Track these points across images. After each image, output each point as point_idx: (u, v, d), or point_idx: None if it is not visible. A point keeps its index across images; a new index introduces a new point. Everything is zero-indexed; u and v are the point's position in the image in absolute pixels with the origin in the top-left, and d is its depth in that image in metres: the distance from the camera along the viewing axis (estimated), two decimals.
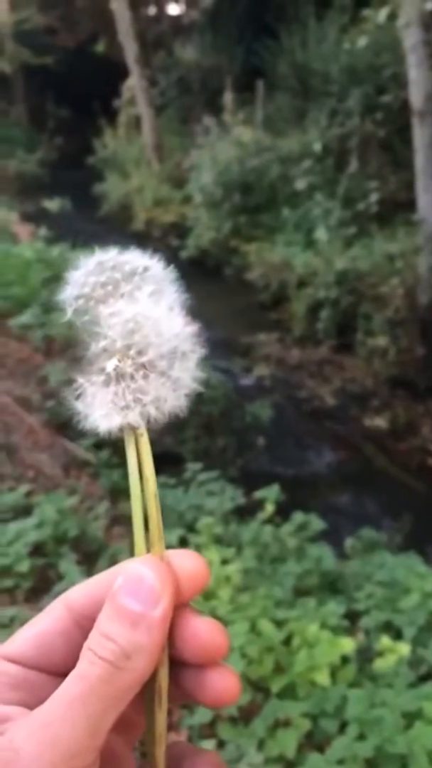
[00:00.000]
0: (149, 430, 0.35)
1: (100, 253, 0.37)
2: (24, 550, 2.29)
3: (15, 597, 2.20)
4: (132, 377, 0.34)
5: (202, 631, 0.34)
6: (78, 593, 0.35)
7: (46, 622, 0.35)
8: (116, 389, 0.34)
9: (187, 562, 0.34)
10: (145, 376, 0.35)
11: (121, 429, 0.35)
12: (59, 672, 0.33)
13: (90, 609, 0.34)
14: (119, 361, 0.34)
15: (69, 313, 0.36)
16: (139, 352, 0.35)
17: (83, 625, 0.34)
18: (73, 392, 0.35)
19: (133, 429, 0.35)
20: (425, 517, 3.95)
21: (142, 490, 0.34)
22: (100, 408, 0.35)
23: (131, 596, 0.32)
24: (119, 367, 0.34)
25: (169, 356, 0.35)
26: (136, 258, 0.37)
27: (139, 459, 0.34)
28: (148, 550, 0.34)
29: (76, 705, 0.30)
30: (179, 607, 0.34)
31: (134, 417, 0.34)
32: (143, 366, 0.35)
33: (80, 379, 0.35)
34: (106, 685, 0.31)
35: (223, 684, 0.34)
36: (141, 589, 0.32)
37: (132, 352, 0.34)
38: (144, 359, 0.35)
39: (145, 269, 0.37)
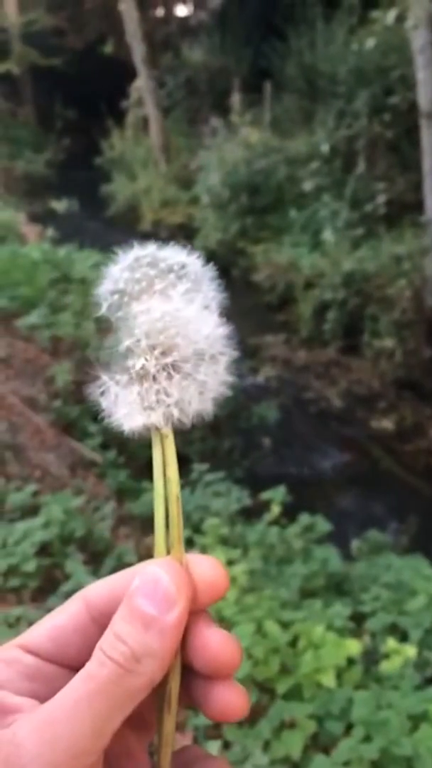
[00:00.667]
0: (175, 432, 0.34)
1: (139, 248, 0.36)
2: (30, 550, 2.29)
3: (21, 596, 2.20)
4: (155, 378, 0.34)
5: (213, 643, 0.33)
6: (97, 590, 0.35)
7: (63, 617, 0.35)
8: (139, 389, 0.34)
9: (207, 569, 0.34)
10: (169, 378, 0.34)
11: (147, 429, 0.34)
12: (74, 666, 0.33)
13: (107, 606, 0.34)
14: (145, 360, 0.34)
15: (103, 309, 0.35)
16: (164, 353, 0.34)
17: (100, 622, 0.34)
18: (97, 390, 0.35)
19: (158, 430, 0.34)
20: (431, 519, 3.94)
21: (165, 492, 0.34)
22: (123, 407, 0.34)
23: (146, 598, 0.31)
24: (144, 367, 0.34)
25: (195, 358, 0.34)
26: (173, 254, 0.36)
27: (164, 460, 0.34)
28: (168, 552, 0.34)
29: (81, 705, 0.30)
30: (196, 613, 0.33)
31: (157, 418, 0.34)
32: (167, 367, 0.34)
33: (104, 377, 0.35)
34: (114, 687, 0.30)
35: (229, 700, 0.33)
36: (157, 591, 0.32)
37: (156, 352, 0.34)
38: (168, 360, 0.34)
39: (182, 266, 0.36)
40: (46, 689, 0.33)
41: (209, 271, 0.37)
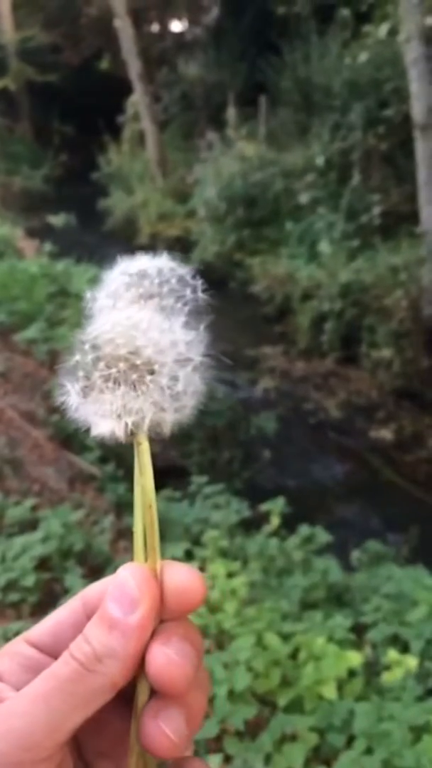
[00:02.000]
0: (151, 441, 0.34)
1: (123, 261, 0.35)
2: (30, 565, 2.29)
3: (21, 611, 2.20)
4: (101, 389, 0.33)
5: (155, 661, 0.32)
6: (93, 590, 0.36)
7: (63, 613, 0.36)
8: (93, 399, 0.33)
9: (180, 576, 0.34)
10: (116, 388, 0.33)
11: (114, 435, 0.33)
12: None
13: (99, 606, 0.34)
14: (94, 371, 0.33)
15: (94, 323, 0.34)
16: (108, 364, 0.33)
17: None
18: (61, 397, 0.34)
19: (133, 437, 0.33)
20: None
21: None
22: (83, 415, 0.34)
23: (114, 601, 0.32)
24: (89, 378, 0.33)
25: (143, 367, 0.33)
26: (141, 263, 0.35)
27: (138, 463, 0.34)
28: (147, 560, 0.34)
29: (38, 701, 0.31)
30: (172, 621, 0.33)
31: (111, 427, 0.33)
32: (110, 378, 0.33)
33: (67, 385, 0.34)
34: (73, 685, 0.31)
35: (153, 734, 0.32)
36: (122, 595, 0.32)
37: (102, 364, 0.33)
38: (112, 371, 0.33)
39: (144, 275, 0.35)
40: None
41: (190, 278, 0.35)
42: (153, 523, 0.34)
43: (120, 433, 0.33)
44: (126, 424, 0.33)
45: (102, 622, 0.32)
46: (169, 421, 0.33)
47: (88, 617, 0.35)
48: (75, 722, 0.31)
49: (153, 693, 0.33)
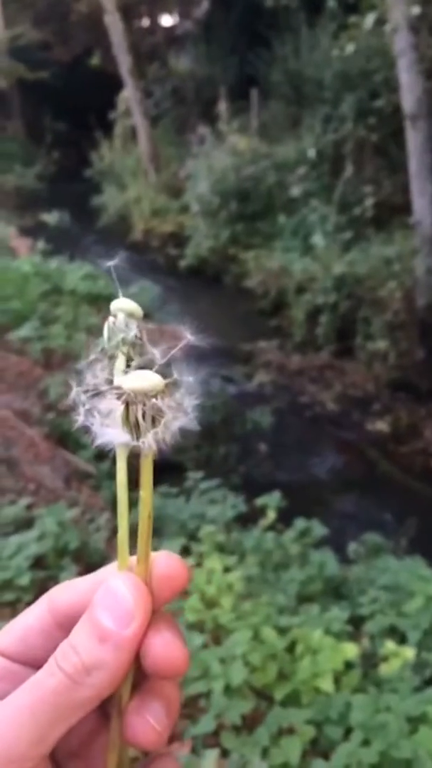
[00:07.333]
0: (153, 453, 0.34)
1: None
2: (25, 564, 2.28)
3: (16, 611, 2.19)
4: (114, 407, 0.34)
5: (154, 648, 0.32)
6: (62, 593, 0.35)
7: (29, 619, 0.35)
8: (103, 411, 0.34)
9: (163, 563, 0.33)
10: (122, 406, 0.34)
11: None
12: (40, 667, 0.33)
13: (71, 610, 0.34)
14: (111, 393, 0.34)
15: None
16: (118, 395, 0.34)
17: (64, 624, 0.34)
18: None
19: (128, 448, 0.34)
20: (430, 519, 3.94)
21: (135, 508, 0.34)
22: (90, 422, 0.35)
23: (106, 611, 0.31)
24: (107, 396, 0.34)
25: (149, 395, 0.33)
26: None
27: (141, 477, 0.34)
28: (129, 566, 0.34)
29: (24, 712, 0.30)
30: (155, 612, 0.33)
31: (117, 437, 0.34)
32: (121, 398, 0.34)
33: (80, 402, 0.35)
34: (59, 698, 0.30)
35: (139, 726, 0.33)
36: (116, 605, 0.31)
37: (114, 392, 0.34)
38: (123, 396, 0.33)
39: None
40: (15, 689, 0.33)
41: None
42: (148, 533, 0.34)
43: (130, 443, 0.34)
44: (136, 437, 0.33)
45: (92, 632, 0.31)
46: (172, 429, 0.34)
47: (58, 624, 0.34)
48: (60, 732, 0.31)
49: (133, 690, 0.33)
